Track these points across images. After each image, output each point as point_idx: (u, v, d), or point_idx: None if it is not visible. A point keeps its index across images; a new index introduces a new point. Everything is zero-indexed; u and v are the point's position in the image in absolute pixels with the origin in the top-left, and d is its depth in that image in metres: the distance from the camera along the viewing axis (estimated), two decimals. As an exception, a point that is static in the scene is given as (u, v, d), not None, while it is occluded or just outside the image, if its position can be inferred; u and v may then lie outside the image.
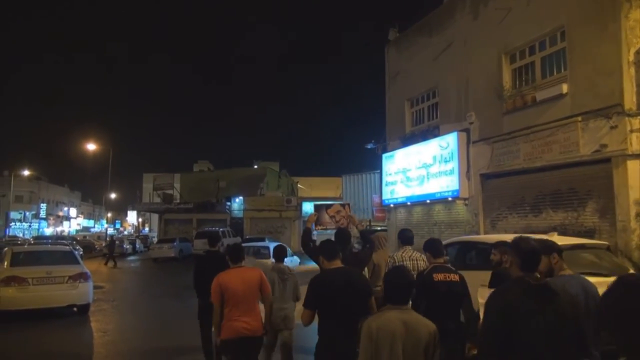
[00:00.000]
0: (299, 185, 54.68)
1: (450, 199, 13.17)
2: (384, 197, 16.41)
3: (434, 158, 13.76)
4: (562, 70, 10.42)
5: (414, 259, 5.24)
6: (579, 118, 9.65)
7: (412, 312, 2.95)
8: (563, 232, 9.37)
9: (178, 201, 41.28)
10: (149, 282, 18.82)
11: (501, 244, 4.63)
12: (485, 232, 11.98)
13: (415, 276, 4.30)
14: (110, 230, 78.98)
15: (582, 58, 9.80)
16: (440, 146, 13.52)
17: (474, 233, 12.30)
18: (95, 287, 15.14)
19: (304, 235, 5.51)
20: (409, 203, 15.16)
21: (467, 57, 13.09)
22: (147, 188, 58.74)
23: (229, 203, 37.91)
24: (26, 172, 63.83)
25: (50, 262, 9.84)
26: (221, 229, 29.55)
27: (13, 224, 63.61)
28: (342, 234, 5.40)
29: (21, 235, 56.94)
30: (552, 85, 10.44)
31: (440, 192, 13.44)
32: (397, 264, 5.06)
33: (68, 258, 10.27)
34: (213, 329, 4.83)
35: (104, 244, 40.74)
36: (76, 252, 10.74)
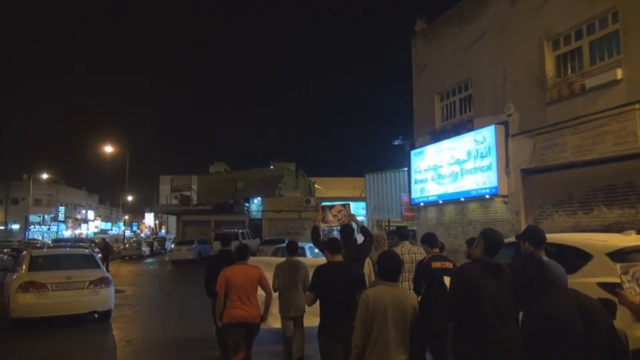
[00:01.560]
0: (316, 186, 54.06)
1: (487, 196, 12.39)
2: (413, 196, 15.67)
3: (469, 153, 12.99)
4: (615, 55, 9.62)
5: (412, 252, 5.91)
6: (637, 105, 8.85)
7: (399, 287, 3.63)
8: (619, 231, 8.57)
9: (196, 202, 40.94)
10: (169, 285, 18.34)
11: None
12: (528, 232, 11.18)
13: (415, 266, 5.42)
14: (128, 233, 79.62)
15: (639, 40, 9.00)
16: (476, 141, 12.75)
17: (514, 233, 11.50)
18: (115, 292, 14.87)
19: (313, 231, 6.25)
20: (440, 201, 14.39)
21: (504, 45, 12.31)
22: (164, 190, 58.69)
23: (247, 204, 37.42)
24: (45, 176, 64.27)
25: (70, 267, 9.33)
26: (240, 231, 29.12)
27: (32, 227, 64.11)
28: (347, 229, 6.10)
29: (40, 238, 57.34)
30: (604, 71, 9.63)
31: (476, 190, 12.66)
32: (406, 257, 5.70)
33: (88, 262, 9.76)
34: (216, 314, 5.51)
35: (121, 247, 40.72)
36: (96, 256, 10.21)
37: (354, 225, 6.42)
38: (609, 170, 9.57)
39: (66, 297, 8.79)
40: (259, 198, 37.36)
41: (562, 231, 9.91)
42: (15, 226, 65.97)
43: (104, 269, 9.87)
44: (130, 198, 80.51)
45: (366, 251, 5.96)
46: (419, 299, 4.59)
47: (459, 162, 13.38)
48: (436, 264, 4.90)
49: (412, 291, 4.96)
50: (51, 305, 8.67)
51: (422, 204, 15.35)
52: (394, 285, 3.47)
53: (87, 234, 75.71)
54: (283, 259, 6.38)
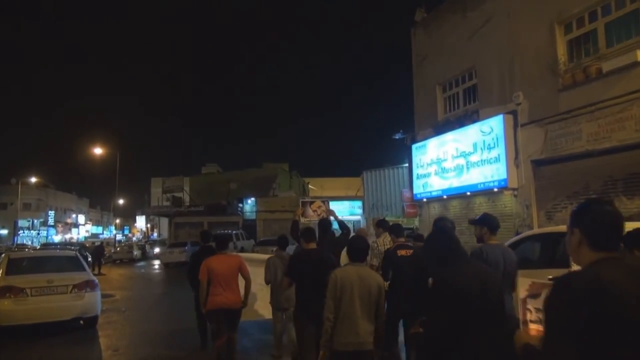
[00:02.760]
0: (310, 186, 53.36)
1: (496, 189, 11.79)
2: (415, 192, 15.04)
3: (475, 145, 12.39)
4: (634, 36, 9.05)
5: (390, 242, 6.15)
6: (660, 88, 8.28)
7: (366, 267, 4.04)
8: (642, 222, 8.00)
9: (188, 204, 40.07)
10: (161, 288, 17.59)
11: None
12: (540, 226, 10.60)
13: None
14: (119, 236, 78.40)
15: (661, 19, 8.45)
16: (482, 131, 12.15)
17: (526, 227, 10.93)
18: (104, 296, 13.96)
19: (292, 225, 6.64)
20: (445, 196, 13.77)
21: (511, 31, 11.73)
22: (155, 192, 57.73)
23: (240, 205, 36.62)
24: (33, 180, 63.01)
25: (52, 270, 8.58)
26: (234, 232, 28.31)
27: (21, 232, 62.88)
28: (325, 223, 6.55)
29: (30, 243, 56.14)
30: (622, 54, 9.06)
31: (483, 183, 12.06)
32: (379, 247, 6.24)
33: (72, 264, 9.01)
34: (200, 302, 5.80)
35: (112, 251, 39.78)
36: (81, 257, 9.45)
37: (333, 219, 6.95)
38: (629, 158, 8.99)
39: (47, 303, 8.04)
40: (252, 199, 36.61)
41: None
42: (4, 231, 64.77)
43: (90, 271, 9.11)
44: (121, 201, 79.22)
45: (342, 244, 6.20)
46: (388, 284, 5.06)
47: (464, 154, 12.78)
48: (401, 252, 5.36)
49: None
50: (31, 311, 7.92)
51: (424, 199, 14.72)
52: (361, 265, 3.93)
53: (77, 238, 74.48)
54: (273, 255, 6.69)
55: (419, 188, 14.84)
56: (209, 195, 39.78)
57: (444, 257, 2.64)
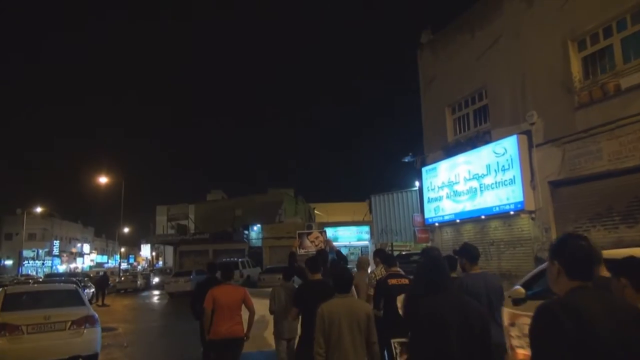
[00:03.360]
0: (316, 212, 52.87)
1: (512, 212, 11.34)
2: (426, 216, 14.60)
3: (488, 167, 12.00)
4: (654, 51, 8.74)
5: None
6: (685, 104, 7.91)
7: (352, 297, 4.31)
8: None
9: (193, 232, 39.62)
10: (166, 319, 17.00)
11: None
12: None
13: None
14: (124, 265, 77.66)
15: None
16: (495, 153, 11.78)
17: (546, 251, 10.42)
18: (106, 330, 13.44)
19: (290, 257, 7.02)
20: (457, 220, 13.31)
21: (522, 50, 11.48)
22: (160, 221, 57.26)
23: (246, 232, 36.15)
24: (39, 210, 62.91)
25: (50, 305, 8.11)
26: (239, 259, 27.80)
27: (26, 262, 62.45)
28: (322, 254, 6.53)
29: (34, 273, 55.61)
30: (641, 69, 8.74)
31: (499, 206, 11.61)
32: (376, 279, 6.10)
33: (71, 299, 8.54)
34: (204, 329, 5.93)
35: (117, 280, 39.18)
36: (82, 291, 8.98)
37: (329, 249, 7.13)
38: (655, 178, 8.57)
39: (44, 341, 7.55)
40: (258, 225, 36.14)
41: (603, 247, 8.82)
42: (9, 262, 64.34)
43: (90, 306, 8.64)
44: (126, 230, 79.07)
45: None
46: (382, 313, 5.23)
47: (477, 177, 12.38)
48: (392, 281, 5.46)
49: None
50: (26, 351, 7.43)
51: (436, 224, 14.26)
52: (347, 296, 4.00)
53: (82, 267, 73.91)
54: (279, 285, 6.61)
55: (430, 212, 14.40)
56: (215, 223, 39.36)
57: (430, 287, 2.81)
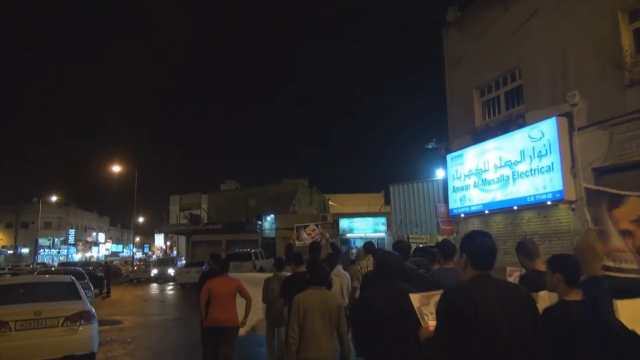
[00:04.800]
0: (330, 203, 52.03)
1: (549, 202, 10.33)
2: (451, 206, 13.62)
3: (522, 153, 10.98)
4: None
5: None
6: None
7: (326, 290, 4.36)
8: None
9: (206, 222, 39.06)
10: (175, 312, 16.33)
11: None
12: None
13: None
14: (139, 255, 77.83)
15: None
16: (531, 137, 10.75)
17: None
18: (110, 323, 12.84)
19: (287, 248, 7.33)
20: (486, 211, 12.32)
21: (563, 23, 10.40)
22: (174, 210, 56.96)
23: (259, 222, 35.41)
24: (54, 198, 63.20)
25: (42, 298, 7.37)
26: (252, 250, 27.07)
27: (42, 250, 62.87)
28: (316, 246, 6.70)
29: (50, 261, 55.87)
30: None
31: (534, 195, 10.61)
32: (362, 270, 6.02)
33: (66, 292, 7.78)
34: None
35: (130, 270, 38.85)
36: (78, 283, 8.20)
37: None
38: None
39: (34, 339, 6.82)
40: (272, 215, 35.39)
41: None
42: (25, 250, 64.89)
43: (86, 300, 7.86)
44: (141, 219, 79.22)
45: (332, 265, 6.34)
46: None
47: (509, 164, 11.37)
48: None
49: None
50: (14, 349, 6.69)
51: (462, 215, 13.28)
52: (320, 289, 4.26)
53: (97, 256, 74.33)
54: (271, 274, 7.13)
55: (455, 202, 13.42)
56: (228, 213, 38.72)
57: (368, 281, 3.49)
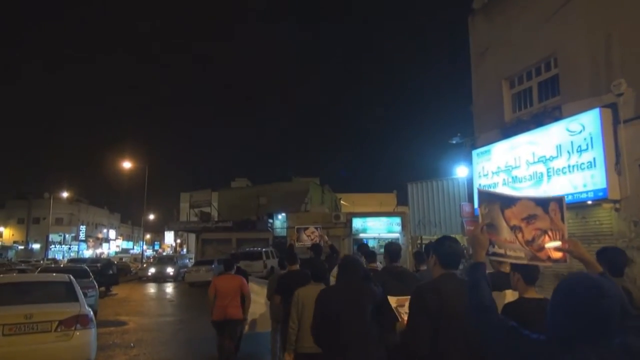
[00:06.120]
0: (342, 202, 51.20)
1: (590, 202, 9.43)
2: (477, 206, 12.74)
3: (559, 148, 10.07)
4: None
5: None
6: None
7: (324, 286, 4.48)
8: None
9: (216, 219, 38.46)
10: (183, 313, 15.64)
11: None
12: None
13: None
14: (149, 252, 77.64)
15: None
16: (569, 131, 9.83)
17: (634, 249, 8.55)
18: (115, 324, 12.17)
19: (288, 248, 8.01)
20: (516, 211, 11.42)
21: (608, 4, 9.49)
22: (184, 207, 56.51)
23: (270, 220, 34.72)
24: (65, 195, 63.27)
25: (34, 300, 6.72)
26: (263, 249, 26.36)
27: (53, 246, 62.91)
28: (317, 247, 7.72)
29: (61, 257, 55.80)
30: None
31: (572, 194, 9.67)
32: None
33: (62, 293, 7.11)
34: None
35: (139, 267, 38.42)
36: (76, 284, 7.49)
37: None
38: None
39: (24, 345, 6.16)
40: (283, 214, 34.66)
41: None
42: (36, 245, 65.05)
43: (84, 302, 7.16)
44: (151, 216, 79.15)
45: (332, 265, 6.48)
46: None
47: (543, 159, 10.47)
48: None
49: None
50: (3, 356, 6.05)
51: (489, 214, 12.38)
52: (320, 284, 4.61)
53: (108, 253, 74.29)
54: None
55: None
56: (238, 210, 38.08)
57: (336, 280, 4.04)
